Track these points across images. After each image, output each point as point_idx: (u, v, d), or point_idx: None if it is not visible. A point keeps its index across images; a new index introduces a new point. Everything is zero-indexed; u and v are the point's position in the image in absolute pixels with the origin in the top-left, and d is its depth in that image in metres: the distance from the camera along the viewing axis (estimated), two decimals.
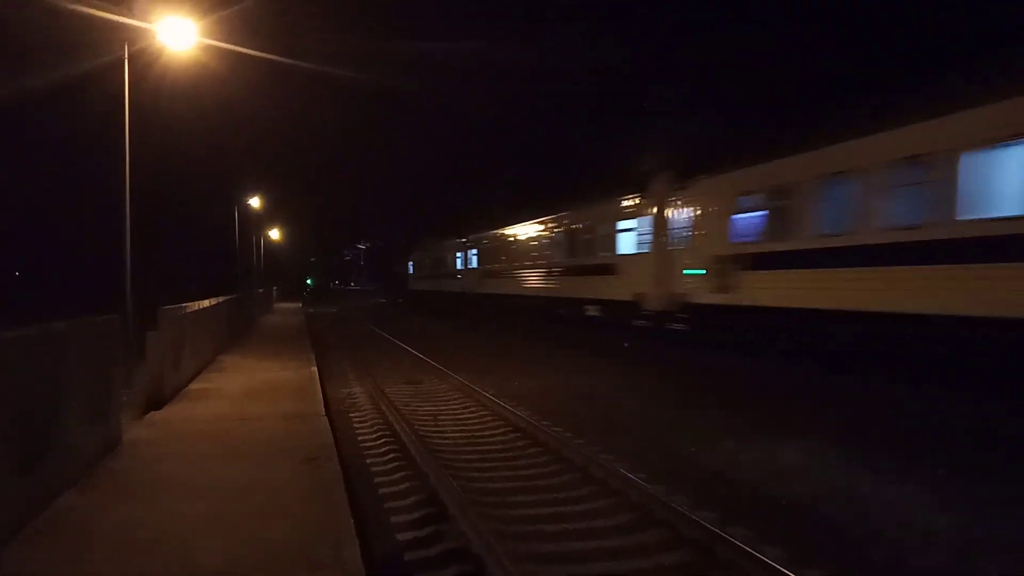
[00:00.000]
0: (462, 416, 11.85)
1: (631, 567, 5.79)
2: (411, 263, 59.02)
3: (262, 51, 20.72)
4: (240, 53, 18.64)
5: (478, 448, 9.70)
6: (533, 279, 29.59)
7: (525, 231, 30.87)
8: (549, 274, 27.93)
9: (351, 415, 12.11)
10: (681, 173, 19.40)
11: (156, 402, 10.82)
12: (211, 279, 43.29)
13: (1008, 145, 10.70)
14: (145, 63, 15.18)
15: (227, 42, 17.13)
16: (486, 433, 10.61)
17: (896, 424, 10.81)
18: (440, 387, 14.74)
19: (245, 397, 11.85)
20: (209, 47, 16.19)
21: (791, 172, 15.02)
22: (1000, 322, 10.72)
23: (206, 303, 17.03)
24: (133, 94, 13.90)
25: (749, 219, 16.52)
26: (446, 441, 10.11)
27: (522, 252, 31.08)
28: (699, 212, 18.41)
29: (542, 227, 28.89)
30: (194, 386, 13.07)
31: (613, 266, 22.67)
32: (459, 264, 42.42)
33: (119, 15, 13.35)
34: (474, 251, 39.23)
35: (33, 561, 4.94)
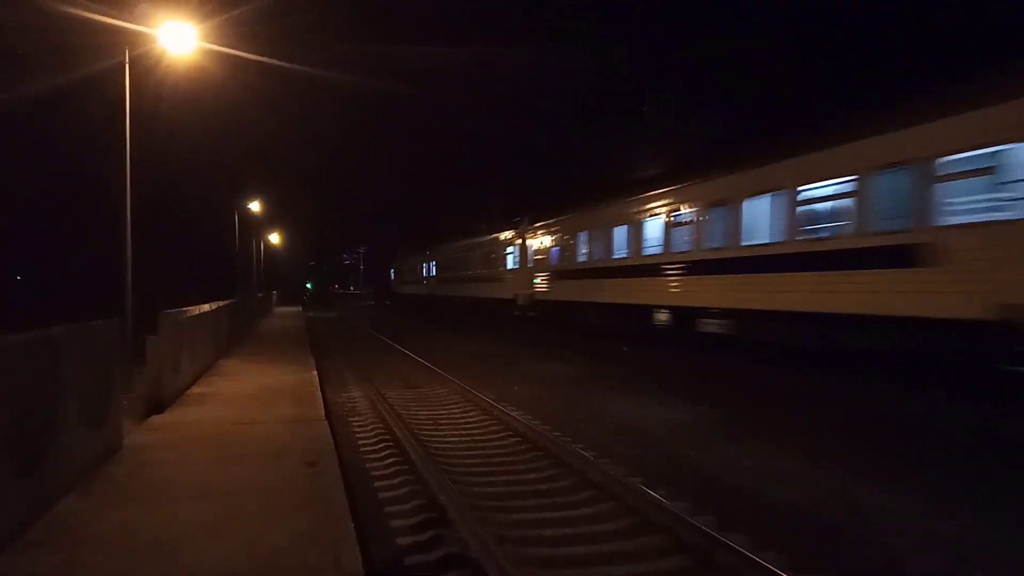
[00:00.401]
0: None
1: (630, 571, 5.80)
2: (392, 270, 72.44)
3: (262, 56, 20.77)
4: (240, 58, 18.69)
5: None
6: (464, 284, 41.44)
7: (458, 248, 43.16)
8: (471, 281, 39.88)
9: (350, 406, 12.12)
10: (532, 219, 30.82)
11: (156, 406, 10.82)
12: (211, 283, 43.30)
13: (766, 195, 16.11)
14: (146, 67, 15.22)
15: (227, 47, 17.18)
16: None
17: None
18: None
19: (245, 401, 11.85)
20: (209, 51, 16.23)
21: (571, 224, 26.55)
22: (752, 313, 16.46)
23: (206, 307, 17.05)
24: (134, 98, 13.93)
25: (557, 250, 27.86)
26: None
27: (459, 264, 43.01)
28: (539, 244, 29.76)
29: (466, 247, 41.19)
30: (194, 390, 13.07)
31: (503, 277, 34.24)
32: (423, 272, 54.38)
33: (120, 20, 13.39)
34: (433, 262, 51.11)
35: (32, 566, 4.94)
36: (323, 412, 10.90)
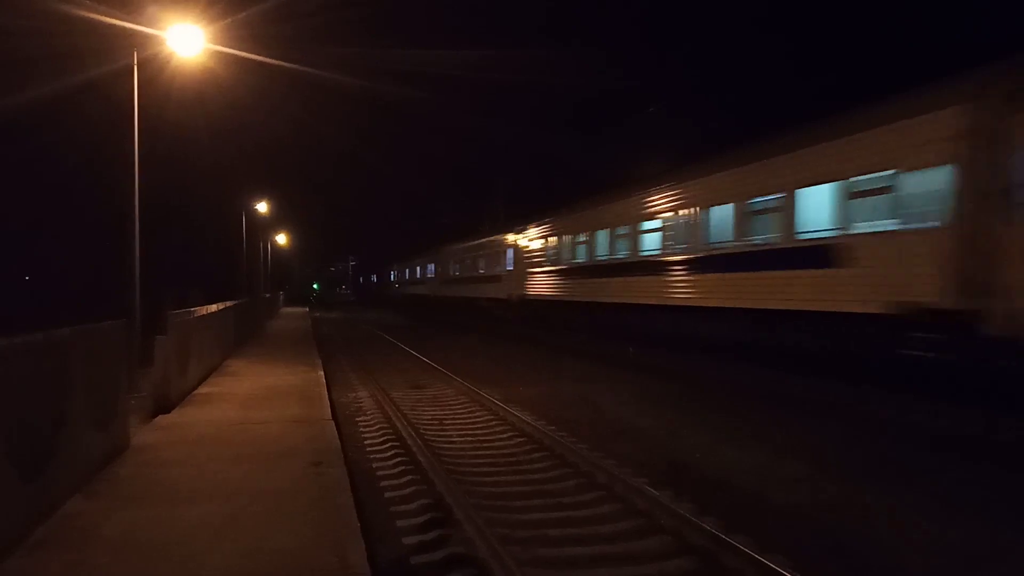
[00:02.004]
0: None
1: (635, 572, 5.80)
2: (373, 276, 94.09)
3: (269, 58, 20.82)
4: (248, 60, 18.73)
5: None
6: (463, 285, 44.25)
7: (456, 251, 46.27)
8: (470, 283, 42.51)
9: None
10: (518, 229, 33.45)
11: (163, 406, 10.86)
12: (218, 284, 43.42)
13: (644, 223, 21.11)
14: (154, 70, 15.27)
15: (235, 49, 17.22)
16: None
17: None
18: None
19: (252, 401, 11.88)
20: (217, 53, 16.27)
21: (537, 232, 30.60)
22: (642, 307, 21.19)
23: (213, 308, 17.09)
24: (142, 100, 13.96)
25: (535, 253, 30.77)
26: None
27: (457, 267, 46.22)
28: (523, 248, 32.60)
29: (464, 250, 44.06)
30: (201, 390, 13.11)
31: (499, 278, 36.23)
32: (392, 277, 71.70)
33: (128, 22, 13.42)
34: (431, 265, 55.15)
35: (40, 567, 4.95)
36: (329, 412, 10.93)
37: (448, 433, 11.05)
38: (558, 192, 46.36)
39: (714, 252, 17.47)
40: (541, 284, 29.83)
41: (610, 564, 5.95)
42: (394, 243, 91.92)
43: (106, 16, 13.36)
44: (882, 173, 12.47)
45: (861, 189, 12.96)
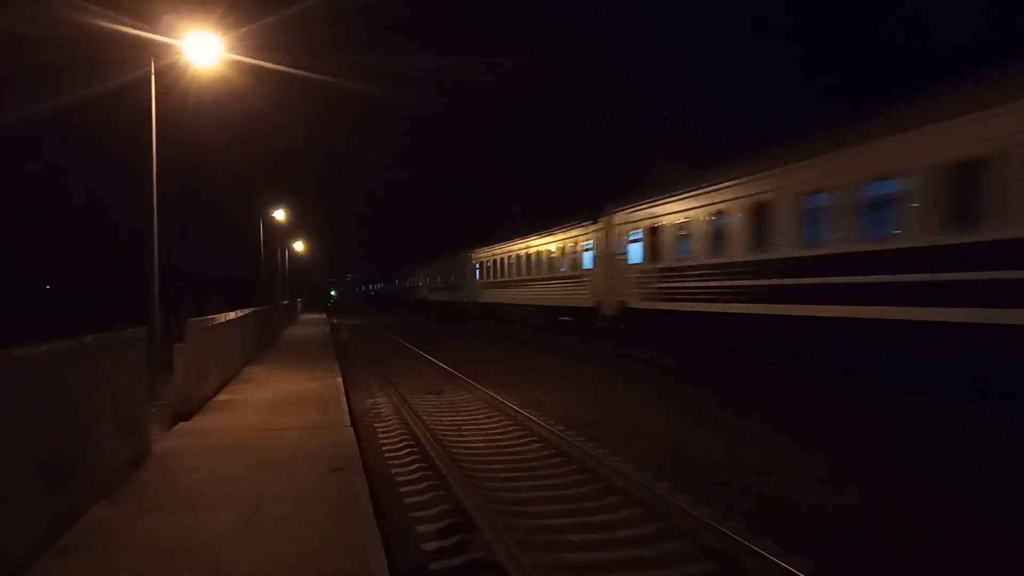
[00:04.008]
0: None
1: None
2: (396, 280, 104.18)
3: (284, 66, 20.98)
4: (265, 68, 18.87)
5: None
6: (445, 292, 57.82)
7: (441, 265, 59.92)
8: (447, 289, 56.50)
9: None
10: (481, 248, 44.90)
11: (184, 413, 10.94)
12: (237, 291, 43.69)
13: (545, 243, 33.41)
14: (172, 78, 15.42)
15: (251, 57, 17.36)
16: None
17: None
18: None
19: (271, 408, 11.94)
20: (234, 62, 16.41)
21: (487, 253, 43.26)
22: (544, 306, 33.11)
23: (232, 315, 17.19)
24: (160, 109, 14.11)
25: (488, 267, 42.98)
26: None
27: (441, 277, 60.24)
28: (475, 265, 45.88)
29: (447, 263, 56.69)
30: (221, 397, 13.19)
31: (464, 287, 49.61)
32: (411, 283, 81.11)
33: (147, 32, 13.58)
34: (427, 275, 68.10)
35: (63, 573, 5.00)
36: (348, 418, 10.96)
37: (466, 438, 11.06)
38: (567, 195, 48.12)
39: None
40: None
41: (630, 569, 5.94)
42: (412, 248, 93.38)
43: (125, 26, 13.52)
44: (579, 245, 28.32)
45: (576, 250, 28.66)
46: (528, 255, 34.76)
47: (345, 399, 12.96)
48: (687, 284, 19.62)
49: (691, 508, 6.91)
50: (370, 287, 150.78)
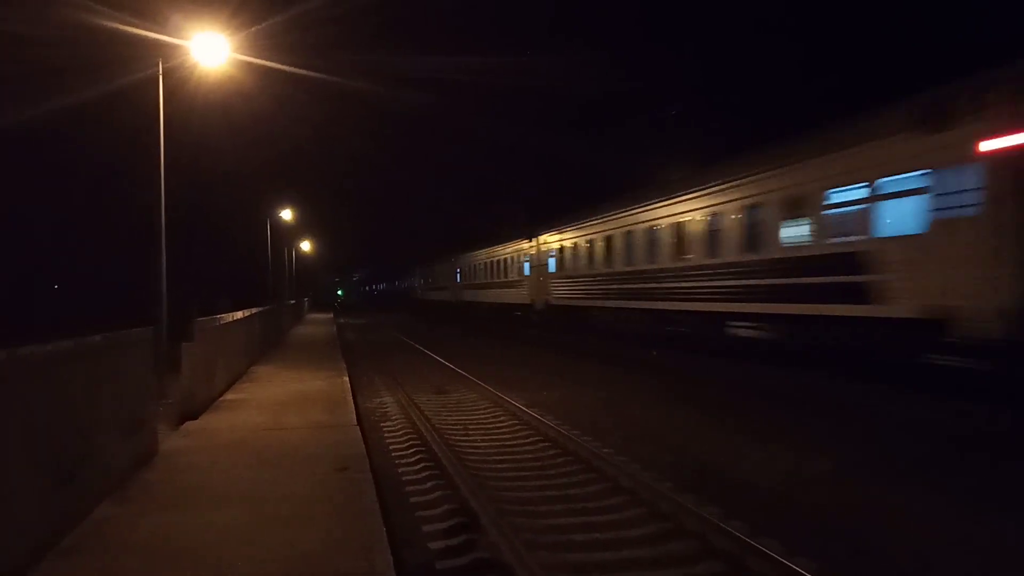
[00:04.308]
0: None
1: None
2: (397, 281, 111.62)
3: (291, 66, 21.00)
4: (270, 68, 18.89)
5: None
6: (438, 291, 64.75)
7: (435, 267, 66.25)
8: (439, 289, 63.55)
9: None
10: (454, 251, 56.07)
11: (191, 412, 10.96)
12: (244, 290, 43.77)
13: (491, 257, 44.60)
14: (179, 79, 15.44)
15: (257, 57, 17.39)
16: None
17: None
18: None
19: (278, 407, 11.96)
20: (241, 62, 16.43)
21: (465, 259, 51.73)
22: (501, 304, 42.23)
23: (239, 315, 17.22)
24: (167, 109, 14.13)
25: (466, 271, 51.20)
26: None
27: (436, 278, 66.20)
28: (456, 269, 54.47)
29: (441, 266, 62.54)
30: (228, 396, 13.22)
31: (448, 287, 58.01)
32: (411, 283, 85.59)
33: (154, 32, 13.59)
34: (423, 276, 75.44)
35: (69, 572, 5.02)
36: (355, 418, 10.98)
37: (472, 438, 11.06)
38: (566, 195, 50.25)
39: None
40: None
41: (636, 569, 5.93)
42: (413, 248, 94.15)
43: (132, 27, 13.54)
44: (521, 257, 37.20)
45: (520, 261, 37.31)
46: (490, 263, 44.05)
47: (351, 398, 12.98)
48: (577, 288, 29.33)
49: (696, 508, 6.90)
50: (374, 287, 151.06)
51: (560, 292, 31.25)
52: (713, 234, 19.00)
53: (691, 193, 20.44)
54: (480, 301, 46.85)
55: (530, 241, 35.19)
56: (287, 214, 47.56)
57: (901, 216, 12.87)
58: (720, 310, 18.52)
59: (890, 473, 8.58)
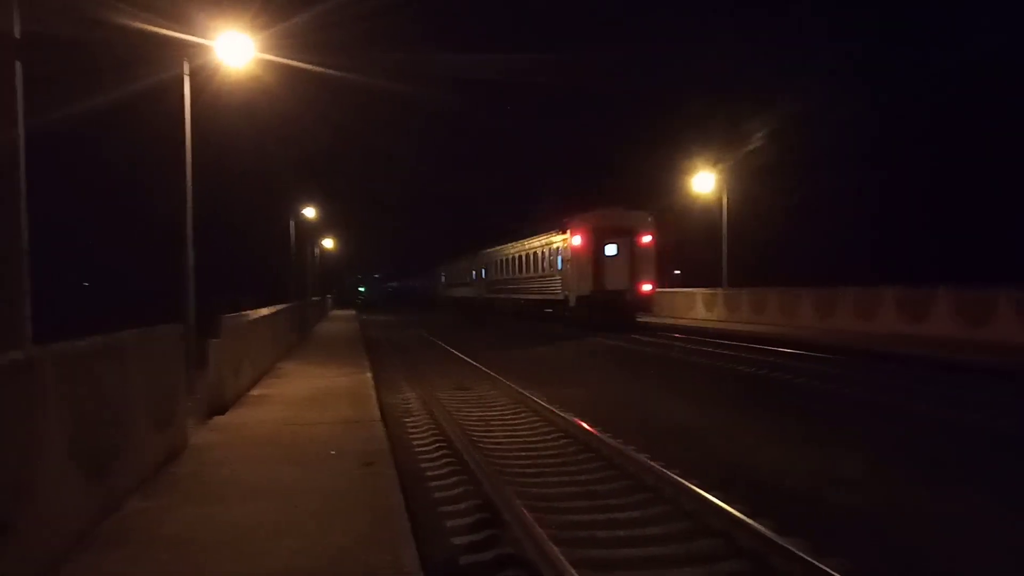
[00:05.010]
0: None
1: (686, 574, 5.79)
2: (421, 279, 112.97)
3: (315, 65, 21.14)
4: (295, 68, 19.03)
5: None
6: (452, 288, 72.22)
7: (454, 267, 71.62)
8: (470, 287, 64.41)
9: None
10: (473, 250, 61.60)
11: (218, 408, 11.11)
12: (269, 287, 44.16)
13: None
14: (204, 78, 15.59)
15: (282, 56, 17.52)
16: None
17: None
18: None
19: (303, 403, 12.09)
20: (265, 61, 16.57)
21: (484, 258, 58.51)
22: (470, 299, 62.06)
23: (265, 311, 17.39)
24: (192, 108, 14.28)
25: (481, 270, 58.62)
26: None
27: (455, 277, 70.92)
28: (473, 264, 60.18)
29: (465, 263, 65.22)
30: (254, 392, 13.37)
31: (471, 285, 61.39)
32: (434, 280, 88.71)
33: (179, 32, 13.74)
34: (443, 277, 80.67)
35: (101, 565, 5.11)
36: (378, 413, 11.07)
37: (495, 434, 11.12)
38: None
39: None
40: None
41: (660, 566, 5.93)
42: (436, 247, 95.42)
43: (158, 27, 13.69)
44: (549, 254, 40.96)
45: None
46: (519, 256, 43.67)
47: (375, 394, 13.08)
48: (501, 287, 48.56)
49: (722, 506, 6.89)
50: (396, 285, 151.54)
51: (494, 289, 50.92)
52: (517, 263, 43.16)
53: (510, 244, 45.16)
54: (507, 297, 46.47)
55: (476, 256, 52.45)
56: (310, 212, 47.89)
57: (558, 262, 34.85)
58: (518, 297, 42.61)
59: (924, 474, 8.50)
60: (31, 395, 4.75)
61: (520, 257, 42.42)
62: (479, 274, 56.03)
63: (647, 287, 32.84)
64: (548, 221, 37.93)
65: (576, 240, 32.71)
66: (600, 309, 31.61)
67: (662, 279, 39.25)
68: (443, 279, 78.97)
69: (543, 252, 37.53)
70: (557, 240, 35.06)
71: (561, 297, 34.18)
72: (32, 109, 8.57)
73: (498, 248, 48.63)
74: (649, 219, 33.73)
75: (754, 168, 41.60)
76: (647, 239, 32.97)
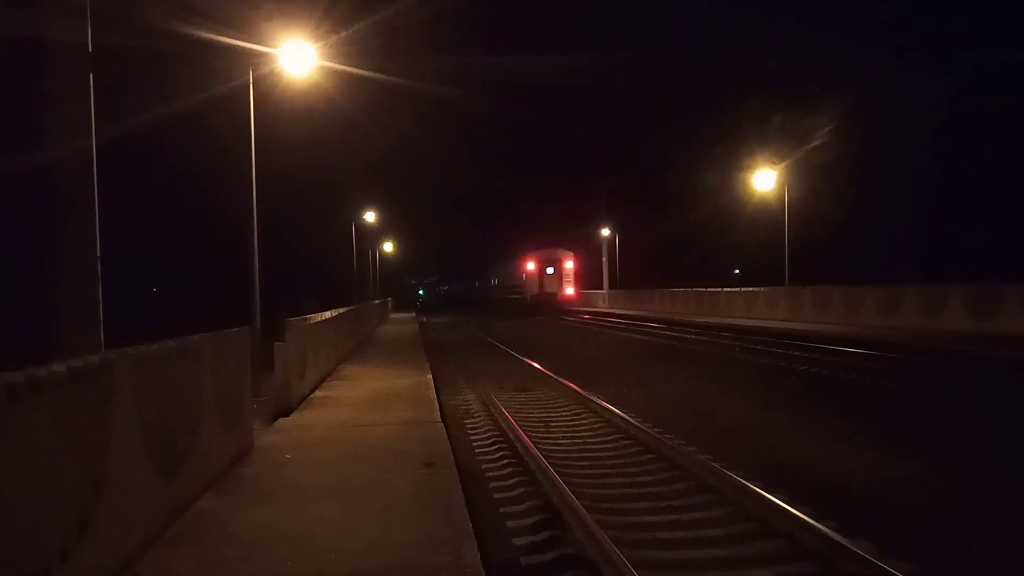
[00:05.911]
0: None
1: None
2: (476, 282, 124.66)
3: (376, 72, 21.44)
4: (355, 74, 19.33)
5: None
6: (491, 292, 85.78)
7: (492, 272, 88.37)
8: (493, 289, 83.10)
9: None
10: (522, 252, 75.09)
11: (284, 409, 11.35)
12: (331, 291, 44.89)
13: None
14: (267, 86, 15.93)
15: (343, 63, 17.81)
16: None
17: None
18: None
19: (365, 404, 12.26)
20: (326, 69, 16.86)
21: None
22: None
23: (327, 314, 17.69)
24: (256, 116, 14.60)
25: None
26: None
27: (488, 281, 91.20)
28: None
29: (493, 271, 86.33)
30: (318, 394, 13.61)
31: (491, 287, 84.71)
32: (489, 283, 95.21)
33: (244, 41, 14.06)
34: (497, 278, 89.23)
35: (174, 561, 5.27)
36: (439, 415, 11.17)
37: (554, 435, 11.12)
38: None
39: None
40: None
41: (723, 568, 5.88)
42: (493, 249, 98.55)
43: (223, 36, 14.02)
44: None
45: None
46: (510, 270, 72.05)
47: (435, 396, 13.20)
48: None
49: (785, 507, 6.78)
50: (452, 287, 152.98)
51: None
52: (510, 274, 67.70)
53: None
54: (508, 297, 65.87)
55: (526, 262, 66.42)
56: (371, 216, 48.54)
57: (520, 274, 64.24)
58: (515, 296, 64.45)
59: (986, 473, 8.24)
60: (108, 397, 4.93)
61: (511, 271, 68.93)
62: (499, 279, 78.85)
63: (569, 291, 60.79)
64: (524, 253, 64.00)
65: (530, 265, 61.28)
66: (542, 303, 58.19)
67: (586, 286, 66.88)
68: (497, 282, 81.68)
69: (517, 271, 64.87)
70: (525, 263, 62.26)
71: (526, 295, 60.92)
72: (104, 117, 8.85)
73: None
74: (571, 254, 61.89)
75: (814, 165, 40.96)
76: (569, 265, 61.15)
